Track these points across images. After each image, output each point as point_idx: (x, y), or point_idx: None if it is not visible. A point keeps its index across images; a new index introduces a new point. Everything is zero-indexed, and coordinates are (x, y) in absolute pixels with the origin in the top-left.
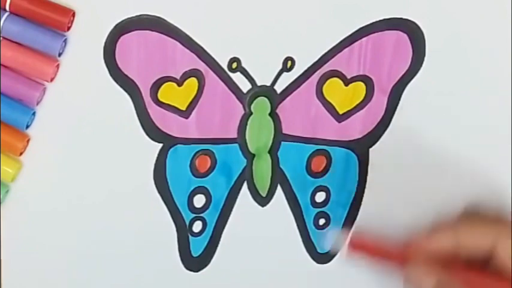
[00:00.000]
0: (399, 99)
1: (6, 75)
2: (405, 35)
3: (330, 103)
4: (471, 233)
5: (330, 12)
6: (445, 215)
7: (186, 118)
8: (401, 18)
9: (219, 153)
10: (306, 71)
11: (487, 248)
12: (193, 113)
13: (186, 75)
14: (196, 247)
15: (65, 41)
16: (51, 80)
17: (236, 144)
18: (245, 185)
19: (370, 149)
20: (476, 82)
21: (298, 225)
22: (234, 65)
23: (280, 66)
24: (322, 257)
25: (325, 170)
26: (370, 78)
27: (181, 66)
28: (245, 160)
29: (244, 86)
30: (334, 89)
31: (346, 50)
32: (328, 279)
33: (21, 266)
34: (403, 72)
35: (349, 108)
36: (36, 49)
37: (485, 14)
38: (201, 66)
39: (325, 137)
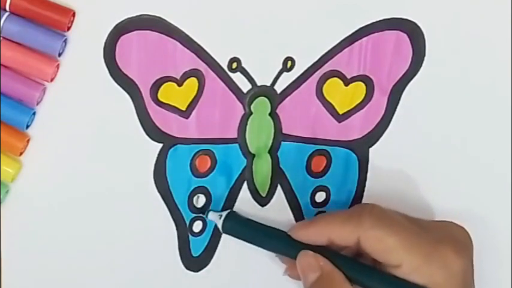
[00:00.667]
0: (399, 99)
1: (6, 75)
2: (405, 35)
3: (330, 103)
4: (338, 231)
5: (330, 12)
6: (444, 215)
7: (186, 118)
8: (401, 18)
9: (219, 153)
10: (306, 71)
11: (353, 244)
12: (193, 113)
13: (186, 75)
14: (196, 247)
15: (65, 41)
16: (51, 80)
17: (236, 144)
18: (245, 185)
19: (370, 149)
20: (476, 82)
21: None
22: (234, 65)
23: (280, 66)
24: None
25: (325, 170)
26: (370, 78)
27: (181, 66)
28: (245, 160)
29: (244, 86)
30: (334, 89)
31: (346, 50)
32: None
33: (21, 265)
34: (403, 72)
35: (349, 108)
36: (36, 49)
37: (485, 14)
38: (201, 66)
39: (325, 137)
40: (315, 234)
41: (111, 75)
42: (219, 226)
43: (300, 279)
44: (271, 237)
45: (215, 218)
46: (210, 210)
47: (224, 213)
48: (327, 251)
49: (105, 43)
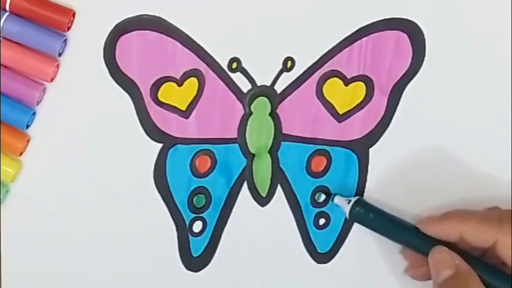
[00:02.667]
0: (399, 99)
1: (6, 75)
2: (405, 35)
3: (330, 103)
4: (474, 231)
5: (330, 12)
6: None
7: (186, 118)
8: (401, 18)
9: (219, 153)
10: (306, 71)
11: (487, 246)
12: (193, 113)
13: (186, 75)
14: (196, 247)
15: (65, 41)
16: (51, 80)
17: (236, 144)
18: (245, 185)
19: (370, 149)
20: (476, 82)
21: (298, 225)
22: (234, 65)
23: (280, 66)
24: (322, 257)
25: (325, 170)
26: (370, 78)
27: (181, 66)
28: (245, 160)
29: (244, 86)
30: (334, 89)
31: (346, 50)
32: (328, 279)
33: (21, 265)
34: (403, 72)
35: (349, 108)
36: (36, 49)
37: (485, 14)
38: (201, 66)
39: (325, 137)
40: (448, 230)
41: (111, 75)
42: (346, 212)
43: (421, 280)
44: (400, 229)
45: (342, 204)
46: (337, 195)
47: (353, 199)
48: (457, 249)
49: (105, 43)
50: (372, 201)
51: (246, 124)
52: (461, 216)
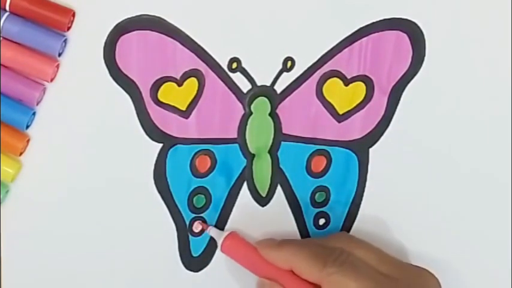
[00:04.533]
0: (399, 99)
1: (6, 75)
2: (405, 35)
3: (330, 103)
4: (302, 265)
5: (330, 12)
6: (444, 215)
7: (186, 118)
8: (401, 18)
9: (219, 153)
10: (306, 71)
11: (317, 283)
12: (193, 113)
13: (186, 75)
14: (196, 247)
15: (65, 41)
16: (51, 80)
17: (236, 144)
18: (245, 185)
19: (370, 149)
20: (476, 82)
21: (298, 225)
22: (234, 65)
23: (280, 66)
24: None
25: (325, 170)
26: (370, 78)
27: (181, 66)
28: (245, 160)
29: (244, 86)
30: (334, 89)
31: (346, 50)
32: None
33: (21, 265)
34: (403, 72)
35: (349, 108)
36: (36, 49)
37: (485, 14)
38: (201, 66)
39: (325, 137)
40: (279, 259)
41: (111, 75)
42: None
43: None
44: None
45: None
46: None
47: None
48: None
49: (105, 43)
50: (372, 201)
51: (246, 124)
52: (294, 246)
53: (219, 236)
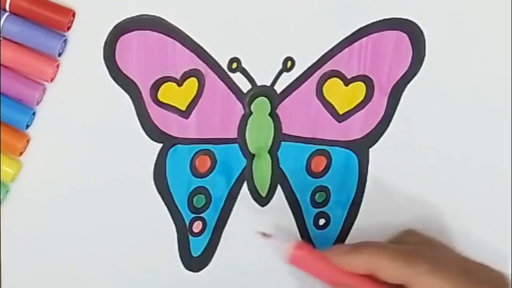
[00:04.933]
0: (399, 99)
1: (6, 75)
2: (405, 35)
3: (330, 103)
4: (384, 267)
5: (330, 12)
6: (444, 215)
7: (186, 118)
8: (401, 18)
9: (219, 153)
10: (306, 71)
11: (398, 283)
12: (193, 113)
13: (186, 75)
14: (196, 247)
15: (65, 41)
16: (51, 80)
17: (236, 144)
18: (245, 185)
19: (370, 149)
20: (476, 82)
21: (298, 225)
22: (234, 65)
23: (280, 66)
24: None
25: (325, 170)
26: (370, 78)
27: (181, 66)
28: (245, 160)
29: (244, 86)
30: (334, 89)
31: (346, 50)
32: None
33: (21, 265)
34: (403, 72)
35: (349, 108)
36: (36, 49)
37: (485, 14)
38: (201, 66)
39: (325, 137)
40: (357, 264)
41: (111, 75)
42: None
43: None
44: None
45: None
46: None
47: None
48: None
49: (105, 43)
50: (372, 201)
51: (246, 124)
52: (372, 249)
53: (284, 247)
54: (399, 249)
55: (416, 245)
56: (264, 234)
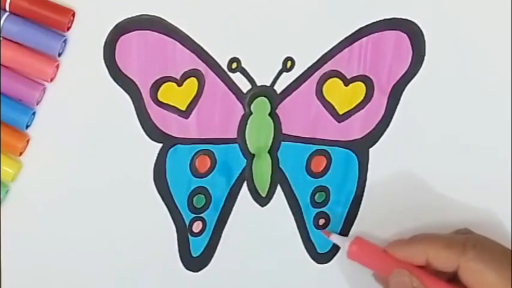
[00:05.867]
0: (399, 99)
1: (6, 75)
2: (405, 35)
3: (330, 103)
4: (439, 255)
5: (330, 12)
6: (445, 214)
7: (186, 118)
8: (401, 18)
9: (219, 153)
10: (306, 71)
11: (452, 270)
12: (193, 113)
13: (186, 75)
14: (196, 247)
15: (65, 41)
16: (51, 80)
17: (236, 144)
18: (245, 185)
19: (370, 149)
20: (476, 82)
21: (298, 225)
22: (234, 65)
23: (280, 66)
24: (322, 257)
25: (325, 170)
26: (370, 78)
27: (181, 66)
28: (245, 160)
29: (244, 86)
30: (334, 89)
31: (346, 50)
32: (328, 279)
33: (21, 265)
34: (403, 72)
35: (349, 109)
36: (36, 49)
37: (485, 14)
38: (201, 66)
39: (325, 137)
40: (414, 253)
41: (111, 75)
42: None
43: None
44: None
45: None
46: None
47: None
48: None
49: (105, 43)
50: (372, 201)
51: (246, 124)
52: (427, 239)
53: (343, 243)
54: (453, 238)
55: (469, 236)
56: (326, 232)
